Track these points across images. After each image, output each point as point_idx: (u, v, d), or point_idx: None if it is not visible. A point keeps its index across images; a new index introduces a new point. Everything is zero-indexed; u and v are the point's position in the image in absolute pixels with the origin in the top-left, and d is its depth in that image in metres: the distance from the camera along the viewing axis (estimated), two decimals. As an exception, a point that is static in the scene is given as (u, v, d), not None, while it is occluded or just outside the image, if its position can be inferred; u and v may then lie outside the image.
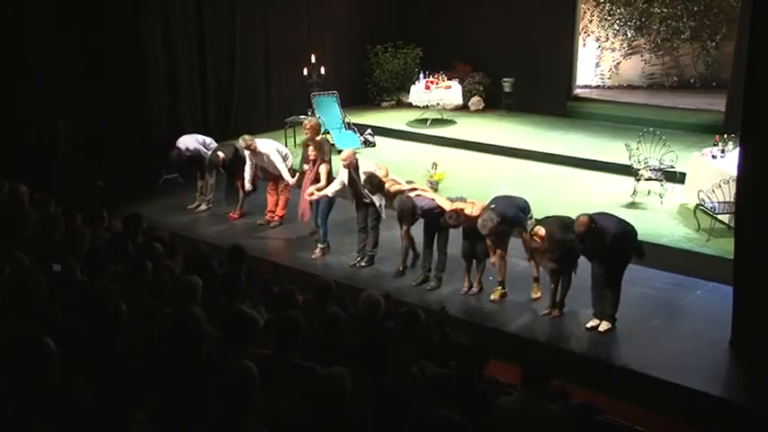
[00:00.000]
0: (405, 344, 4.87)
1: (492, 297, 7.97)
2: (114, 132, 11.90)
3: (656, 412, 6.29)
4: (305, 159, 9.54)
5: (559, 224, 7.31)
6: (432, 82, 14.79)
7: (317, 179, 9.12)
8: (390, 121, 14.89)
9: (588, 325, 7.35)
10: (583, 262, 7.39)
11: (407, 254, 8.61)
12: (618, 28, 16.59)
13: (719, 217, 9.04)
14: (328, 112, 13.70)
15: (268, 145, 10.02)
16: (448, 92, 14.74)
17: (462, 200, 8.04)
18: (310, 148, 9.23)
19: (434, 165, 11.09)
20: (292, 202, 10.21)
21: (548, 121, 14.57)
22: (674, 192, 10.31)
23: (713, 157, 9.93)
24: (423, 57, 16.25)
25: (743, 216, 6.94)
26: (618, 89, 16.62)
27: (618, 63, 16.76)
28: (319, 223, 9.24)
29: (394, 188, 8.42)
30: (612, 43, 16.71)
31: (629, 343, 7.19)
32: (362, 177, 8.38)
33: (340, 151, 9.63)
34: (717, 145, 10.04)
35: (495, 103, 15.72)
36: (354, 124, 13.83)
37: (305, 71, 13.85)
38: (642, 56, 16.59)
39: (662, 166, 10.34)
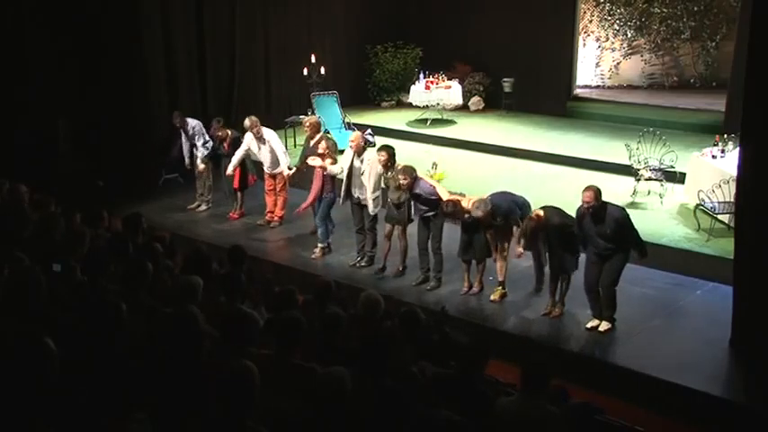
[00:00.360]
0: (405, 344, 4.86)
1: (492, 297, 7.98)
2: (114, 132, 11.90)
3: (656, 412, 6.29)
4: (304, 157, 9.59)
5: (558, 212, 7.40)
6: (432, 82, 14.78)
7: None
8: (390, 121, 14.89)
9: (588, 325, 7.36)
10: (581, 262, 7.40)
11: (406, 254, 8.61)
12: (618, 28, 16.59)
13: (719, 217, 9.03)
14: (328, 112, 13.70)
15: (272, 133, 10.07)
16: (448, 92, 14.73)
17: (462, 195, 8.07)
18: (322, 143, 9.12)
19: (434, 165, 11.09)
20: (292, 201, 10.23)
21: (548, 121, 14.57)
22: (674, 192, 10.30)
23: (713, 157, 9.93)
24: (423, 57, 16.24)
25: (743, 216, 6.94)
26: (618, 89, 16.61)
27: (618, 63, 16.76)
28: (318, 223, 9.24)
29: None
30: (612, 43, 16.70)
31: (629, 343, 7.19)
32: (398, 168, 8.23)
33: (342, 151, 9.62)
34: (717, 145, 10.03)
35: (495, 103, 15.71)
36: (354, 124, 13.82)
37: (305, 71, 13.85)
38: (642, 56, 16.59)
39: (662, 166, 10.34)
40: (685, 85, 16.31)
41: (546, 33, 14.88)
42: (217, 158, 10.72)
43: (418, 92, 14.85)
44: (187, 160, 10.76)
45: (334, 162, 9.03)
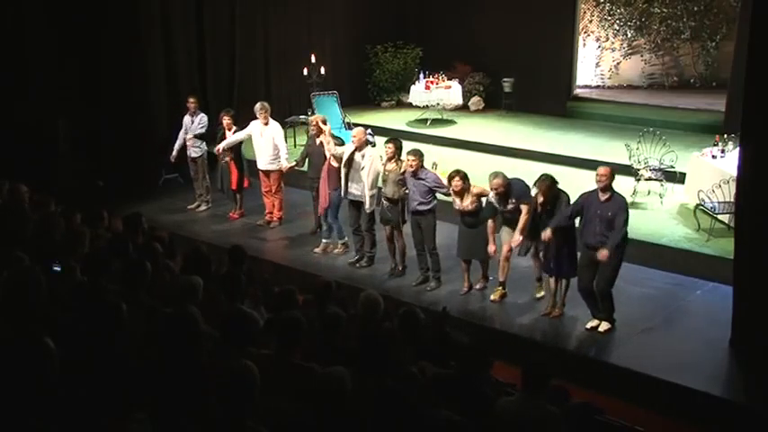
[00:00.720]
0: (405, 344, 4.86)
1: (492, 297, 7.98)
2: (114, 132, 11.90)
3: (656, 412, 6.29)
4: (305, 154, 9.68)
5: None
6: (432, 82, 14.78)
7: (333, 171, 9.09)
8: (390, 121, 14.88)
9: (588, 325, 7.36)
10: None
11: (405, 253, 8.61)
12: (618, 28, 16.59)
13: (719, 217, 9.03)
14: (328, 111, 13.67)
15: (278, 126, 10.12)
16: (448, 92, 14.73)
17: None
18: (331, 143, 9.07)
19: (434, 165, 11.03)
20: (292, 201, 10.23)
21: (548, 121, 14.57)
22: (674, 192, 10.30)
23: (713, 157, 9.93)
24: (423, 57, 16.24)
25: (743, 216, 6.94)
26: (618, 89, 16.62)
27: (618, 63, 16.77)
28: (331, 220, 9.26)
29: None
30: (612, 43, 16.71)
31: (629, 343, 7.19)
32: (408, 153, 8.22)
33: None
34: (717, 145, 10.03)
35: (495, 103, 15.72)
36: (354, 124, 13.81)
37: (305, 71, 13.85)
38: (642, 56, 16.60)
39: (662, 166, 10.34)
40: (685, 85, 16.32)
41: (546, 33, 14.88)
42: (212, 157, 10.73)
43: (418, 92, 14.85)
44: (175, 152, 10.71)
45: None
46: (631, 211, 7.32)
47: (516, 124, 14.60)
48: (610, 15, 16.58)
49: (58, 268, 5.32)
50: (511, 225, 7.72)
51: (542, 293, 7.87)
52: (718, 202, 8.96)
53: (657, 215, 9.82)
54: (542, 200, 7.41)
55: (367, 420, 3.59)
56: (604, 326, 7.30)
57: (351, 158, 8.65)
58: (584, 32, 16.61)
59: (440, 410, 3.79)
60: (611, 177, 7.05)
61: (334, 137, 9.19)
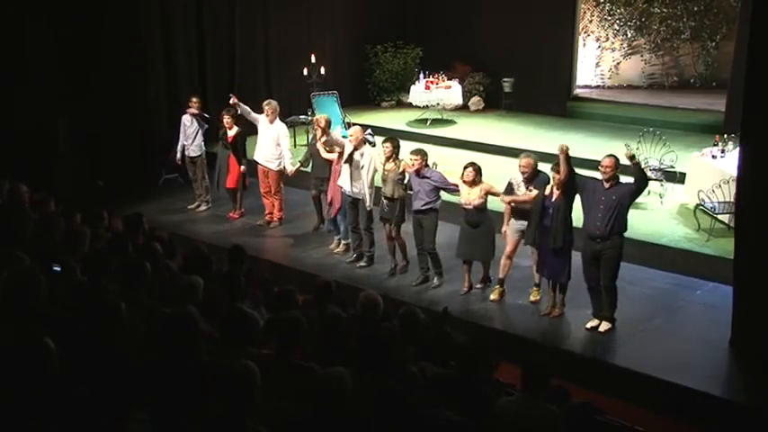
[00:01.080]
0: (404, 344, 4.86)
1: (491, 297, 7.99)
2: (114, 132, 11.90)
3: (656, 412, 6.29)
4: (309, 155, 9.73)
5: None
6: (432, 82, 14.78)
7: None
8: (390, 121, 14.88)
9: (588, 325, 7.36)
10: (578, 264, 7.38)
11: (406, 250, 8.65)
12: (618, 28, 16.59)
13: (719, 217, 9.03)
14: (328, 111, 13.64)
15: (284, 128, 10.15)
16: (448, 92, 14.72)
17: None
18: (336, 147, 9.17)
19: (434, 165, 11.06)
20: (292, 201, 10.23)
21: (548, 121, 14.56)
22: (674, 192, 10.30)
23: (713, 157, 9.93)
24: (423, 57, 16.24)
25: (743, 216, 6.94)
26: (618, 89, 16.62)
27: (618, 63, 16.76)
28: (340, 219, 9.30)
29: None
30: (612, 43, 16.71)
31: (629, 343, 7.19)
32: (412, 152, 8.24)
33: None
34: (717, 145, 10.03)
35: (495, 103, 15.71)
36: (354, 124, 13.80)
37: (305, 71, 13.84)
38: (642, 56, 16.60)
39: (662, 166, 10.34)
40: (685, 85, 16.31)
41: (546, 33, 14.88)
42: (211, 157, 10.72)
43: (418, 92, 14.85)
44: (179, 155, 10.70)
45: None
46: (631, 211, 7.32)
47: (516, 124, 14.59)
48: (610, 15, 16.58)
49: (57, 268, 5.32)
50: (518, 218, 7.74)
51: (537, 297, 7.87)
52: (719, 202, 8.96)
53: (657, 215, 9.81)
54: (564, 177, 7.22)
55: (367, 420, 3.59)
56: (604, 326, 7.30)
57: (350, 158, 8.67)
58: (584, 32, 16.60)
59: (440, 410, 3.79)
60: (616, 168, 7.06)
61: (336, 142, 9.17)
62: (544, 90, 15.14)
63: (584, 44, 16.59)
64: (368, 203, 8.62)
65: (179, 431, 3.46)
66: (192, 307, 4.33)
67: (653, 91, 16.28)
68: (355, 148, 8.65)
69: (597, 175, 7.30)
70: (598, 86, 16.81)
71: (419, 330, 5.19)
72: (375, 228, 8.85)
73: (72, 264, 5.29)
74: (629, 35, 16.56)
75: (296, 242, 9.86)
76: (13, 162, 9.68)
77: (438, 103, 14.69)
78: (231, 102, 9.97)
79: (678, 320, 7.63)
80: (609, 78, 16.85)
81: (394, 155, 8.37)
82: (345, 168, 8.74)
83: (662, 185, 10.24)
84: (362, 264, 8.91)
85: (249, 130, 10.41)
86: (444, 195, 8.25)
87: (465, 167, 7.94)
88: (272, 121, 9.93)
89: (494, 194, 7.89)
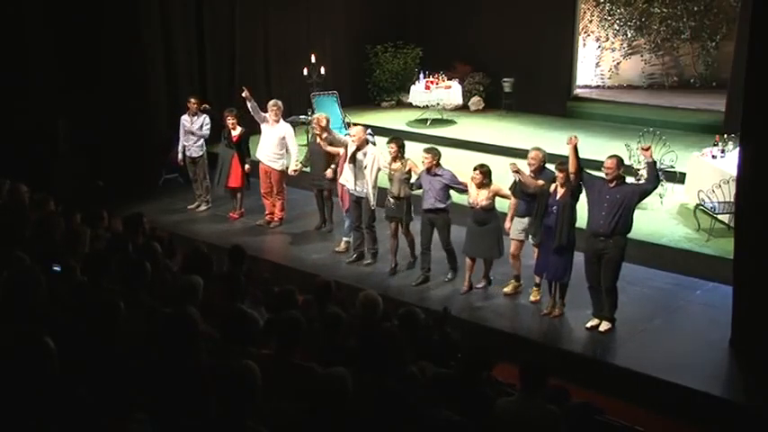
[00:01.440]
0: (404, 344, 4.86)
1: (505, 290, 8.04)
2: (114, 132, 11.89)
3: (656, 412, 6.29)
4: (308, 156, 9.75)
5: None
6: (432, 82, 14.78)
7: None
8: (390, 121, 14.87)
9: (588, 325, 7.36)
10: (578, 264, 7.39)
11: (414, 247, 8.68)
12: (618, 28, 16.59)
13: (719, 217, 9.03)
14: (328, 111, 13.61)
15: (290, 128, 10.11)
16: (448, 92, 14.72)
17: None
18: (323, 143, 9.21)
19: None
20: (292, 201, 10.22)
21: (548, 121, 14.56)
22: (674, 192, 10.30)
23: (713, 157, 9.93)
24: (423, 57, 16.23)
25: (743, 216, 6.94)
26: (618, 89, 16.61)
27: (618, 63, 16.76)
28: (346, 217, 9.31)
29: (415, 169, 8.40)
30: (612, 43, 16.71)
31: (629, 343, 7.19)
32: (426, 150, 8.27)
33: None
34: (717, 145, 10.03)
35: (495, 103, 15.71)
36: (354, 124, 13.80)
37: (305, 71, 13.84)
38: (642, 56, 16.60)
39: (662, 166, 10.32)
40: (685, 85, 16.31)
41: (546, 33, 14.88)
42: (212, 157, 10.71)
43: (418, 92, 14.84)
44: (180, 155, 10.70)
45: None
46: (632, 212, 7.31)
47: (516, 124, 14.59)
48: (610, 15, 16.58)
49: (57, 268, 5.33)
50: (520, 215, 7.80)
51: (537, 297, 7.87)
52: (719, 202, 8.96)
53: (657, 215, 9.81)
54: (574, 169, 7.18)
55: (367, 420, 3.59)
56: (605, 326, 7.30)
57: (353, 157, 8.68)
58: (584, 32, 16.60)
59: (440, 410, 3.79)
60: (619, 167, 7.05)
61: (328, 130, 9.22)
62: (544, 90, 15.14)
63: (584, 44, 16.59)
64: (371, 202, 8.65)
65: (179, 431, 3.46)
66: (192, 307, 4.33)
67: (653, 91, 16.27)
68: (358, 148, 8.66)
69: (601, 174, 7.28)
70: (598, 86, 16.81)
71: (419, 330, 5.20)
72: (377, 226, 8.87)
73: (72, 264, 5.29)
74: (629, 35, 16.56)
75: (296, 242, 9.87)
76: (13, 162, 9.68)
77: (438, 103, 14.69)
78: (244, 95, 9.93)
79: (678, 320, 7.63)
80: (609, 78, 16.85)
81: (399, 154, 8.38)
82: (349, 168, 8.75)
83: (662, 185, 10.24)
84: (368, 261, 8.94)
85: (251, 129, 10.40)
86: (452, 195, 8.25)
87: (474, 169, 7.96)
88: (276, 121, 9.93)
89: (503, 196, 7.91)
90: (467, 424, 3.66)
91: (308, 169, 10.04)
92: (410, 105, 15.31)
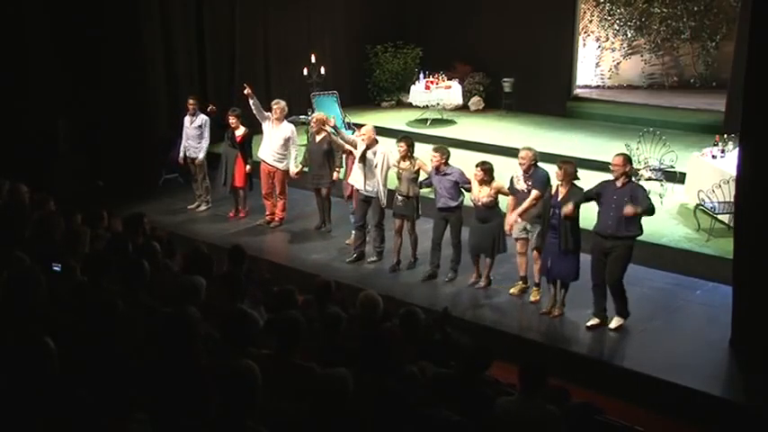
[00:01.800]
0: (404, 344, 4.86)
1: (511, 291, 8.05)
2: (114, 132, 11.90)
3: (656, 412, 6.29)
4: (308, 153, 9.82)
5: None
6: (432, 82, 14.77)
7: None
8: (390, 121, 14.86)
9: (588, 324, 7.36)
10: (584, 263, 7.39)
11: (416, 246, 8.71)
12: (618, 28, 16.59)
13: (719, 217, 9.03)
14: (328, 111, 13.63)
15: (293, 128, 10.09)
16: (448, 92, 14.71)
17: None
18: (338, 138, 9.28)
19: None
20: (292, 201, 10.21)
21: (548, 121, 14.56)
22: (674, 192, 10.30)
23: (713, 157, 9.93)
24: (423, 57, 16.23)
25: (743, 216, 6.94)
26: (618, 89, 16.61)
27: (618, 63, 16.76)
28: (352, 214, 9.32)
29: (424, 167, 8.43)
30: (612, 43, 16.71)
31: (628, 343, 7.19)
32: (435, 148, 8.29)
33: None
34: (717, 145, 10.03)
35: (495, 103, 15.71)
36: (354, 124, 13.81)
37: (305, 71, 13.84)
38: (642, 56, 16.59)
39: (662, 166, 10.34)
40: (685, 85, 16.31)
41: (546, 33, 14.87)
42: (212, 157, 10.71)
43: (418, 92, 14.84)
44: (181, 154, 10.71)
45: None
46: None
47: (516, 124, 14.58)
48: (610, 15, 16.58)
49: (57, 268, 5.33)
50: (522, 218, 7.78)
51: (537, 297, 7.87)
52: (718, 202, 8.96)
53: (657, 215, 9.67)
54: (563, 177, 7.24)
55: (367, 420, 3.59)
56: (616, 322, 7.29)
57: (363, 156, 8.69)
58: (584, 32, 16.60)
59: (440, 410, 3.79)
60: (625, 165, 7.09)
61: (337, 129, 9.31)
62: (544, 90, 15.13)
63: (585, 44, 16.58)
64: (382, 201, 8.67)
65: (179, 431, 3.46)
66: (192, 307, 4.33)
67: (653, 91, 16.27)
68: (368, 147, 8.66)
69: (603, 175, 7.29)
70: (598, 86, 16.81)
71: (419, 330, 5.20)
72: (386, 225, 8.89)
73: (72, 264, 5.29)
74: (629, 35, 16.56)
75: (296, 242, 9.87)
76: (13, 162, 9.69)
77: (438, 103, 14.69)
78: (246, 92, 9.93)
79: (678, 320, 7.63)
80: (609, 78, 16.85)
81: (409, 153, 8.41)
82: (359, 167, 8.75)
83: (662, 185, 10.24)
84: (373, 259, 8.95)
85: (254, 129, 10.39)
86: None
87: (476, 166, 7.98)
88: (278, 121, 9.92)
89: (505, 194, 7.93)
90: (467, 424, 3.67)
91: (307, 169, 10.04)
92: (410, 105, 15.31)
